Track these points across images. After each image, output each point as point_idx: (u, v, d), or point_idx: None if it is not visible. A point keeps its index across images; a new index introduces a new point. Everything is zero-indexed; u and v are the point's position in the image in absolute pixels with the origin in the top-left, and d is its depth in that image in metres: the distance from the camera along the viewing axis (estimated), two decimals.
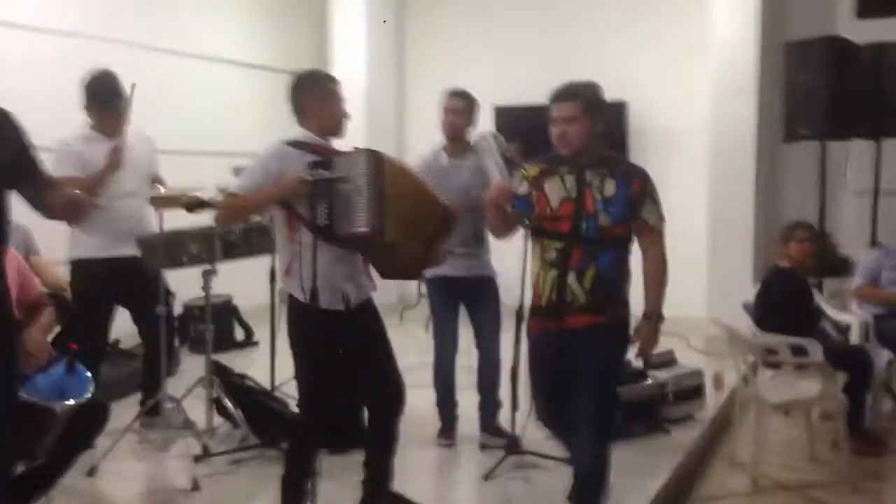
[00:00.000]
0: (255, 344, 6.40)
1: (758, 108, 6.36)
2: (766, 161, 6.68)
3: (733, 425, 4.70)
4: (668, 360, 4.82)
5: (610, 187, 3.05)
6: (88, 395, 2.90)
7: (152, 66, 6.13)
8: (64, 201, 2.50)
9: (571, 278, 3.05)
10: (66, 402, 2.81)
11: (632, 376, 4.49)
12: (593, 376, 3.08)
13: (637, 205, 3.07)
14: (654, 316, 3.14)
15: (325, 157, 3.04)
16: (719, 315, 5.35)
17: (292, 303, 3.13)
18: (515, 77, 7.19)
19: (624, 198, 3.05)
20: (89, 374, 3.01)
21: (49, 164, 3.03)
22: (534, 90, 7.06)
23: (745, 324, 4.75)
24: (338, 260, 3.12)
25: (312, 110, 3.17)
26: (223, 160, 4.45)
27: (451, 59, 7.84)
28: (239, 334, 6.54)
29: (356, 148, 3.11)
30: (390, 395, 3.33)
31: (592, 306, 3.06)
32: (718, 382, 5.18)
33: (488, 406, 4.29)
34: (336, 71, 7.47)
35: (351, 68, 7.44)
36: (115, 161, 3.10)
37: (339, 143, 3.25)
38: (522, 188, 3.20)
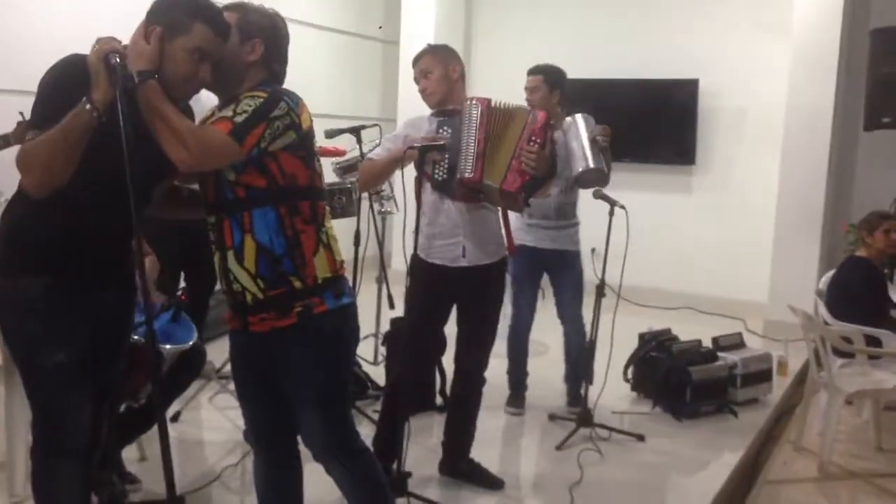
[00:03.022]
0: None
1: (836, 93, 6.23)
2: (841, 148, 6.56)
3: (797, 411, 4.69)
4: (737, 343, 4.82)
5: None
6: (192, 342, 2.98)
7: None
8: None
9: None
10: (174, 347, 2.89)
11: (703, 356, 4.51)
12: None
13: None
14: None
15: (447, 116, 3.14)
16: (781, 301, 5.34)
17: (413, 260, 3.15)
18: (584, 51, 7.12)
19: None
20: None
21: None
22: (603, 64, 7.07)
23: (810, 310, 4.71)
24: (461, 217, 3.19)
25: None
26: None
27: (519, 31, 7.79)
28: None
29: (469, 99, 3.14)
30: (474, 363, 3.38)
31: None
32: (782, 368, 5.17)
33: (579, 376, 4.30)
34: (405, 37, 7.53)
35: (419, 35, 7.42)
36: None
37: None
38: None
